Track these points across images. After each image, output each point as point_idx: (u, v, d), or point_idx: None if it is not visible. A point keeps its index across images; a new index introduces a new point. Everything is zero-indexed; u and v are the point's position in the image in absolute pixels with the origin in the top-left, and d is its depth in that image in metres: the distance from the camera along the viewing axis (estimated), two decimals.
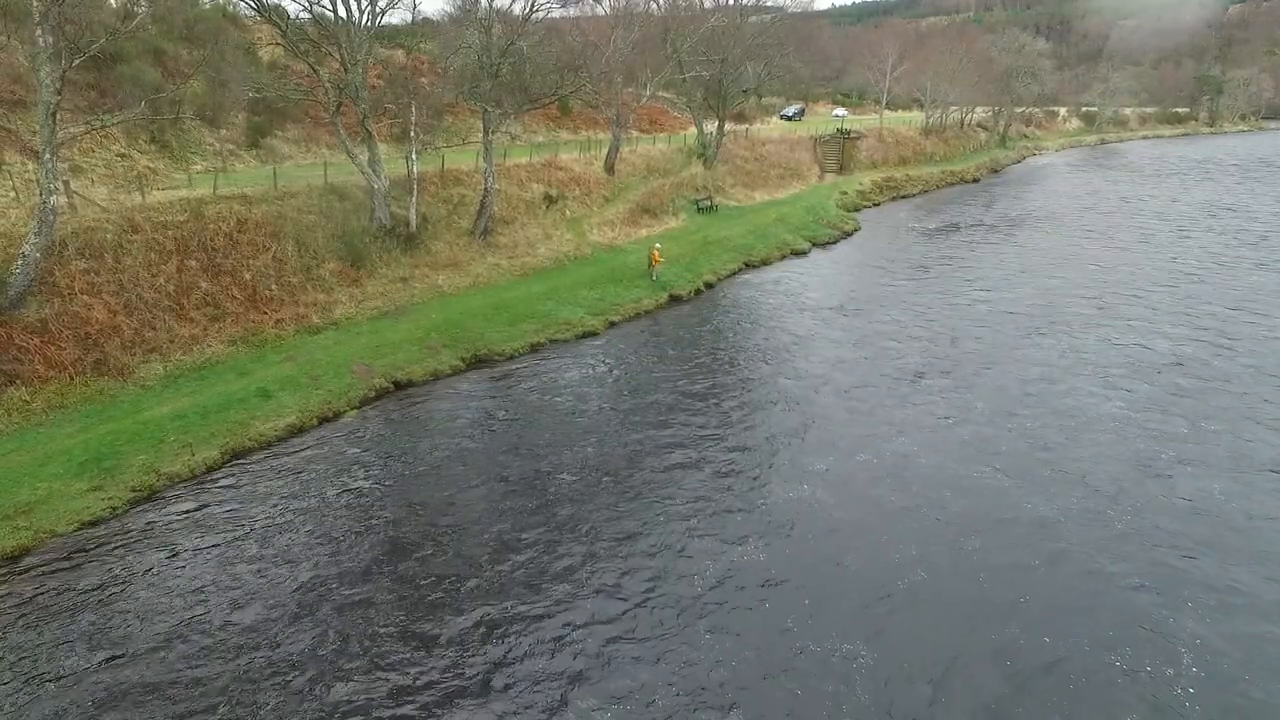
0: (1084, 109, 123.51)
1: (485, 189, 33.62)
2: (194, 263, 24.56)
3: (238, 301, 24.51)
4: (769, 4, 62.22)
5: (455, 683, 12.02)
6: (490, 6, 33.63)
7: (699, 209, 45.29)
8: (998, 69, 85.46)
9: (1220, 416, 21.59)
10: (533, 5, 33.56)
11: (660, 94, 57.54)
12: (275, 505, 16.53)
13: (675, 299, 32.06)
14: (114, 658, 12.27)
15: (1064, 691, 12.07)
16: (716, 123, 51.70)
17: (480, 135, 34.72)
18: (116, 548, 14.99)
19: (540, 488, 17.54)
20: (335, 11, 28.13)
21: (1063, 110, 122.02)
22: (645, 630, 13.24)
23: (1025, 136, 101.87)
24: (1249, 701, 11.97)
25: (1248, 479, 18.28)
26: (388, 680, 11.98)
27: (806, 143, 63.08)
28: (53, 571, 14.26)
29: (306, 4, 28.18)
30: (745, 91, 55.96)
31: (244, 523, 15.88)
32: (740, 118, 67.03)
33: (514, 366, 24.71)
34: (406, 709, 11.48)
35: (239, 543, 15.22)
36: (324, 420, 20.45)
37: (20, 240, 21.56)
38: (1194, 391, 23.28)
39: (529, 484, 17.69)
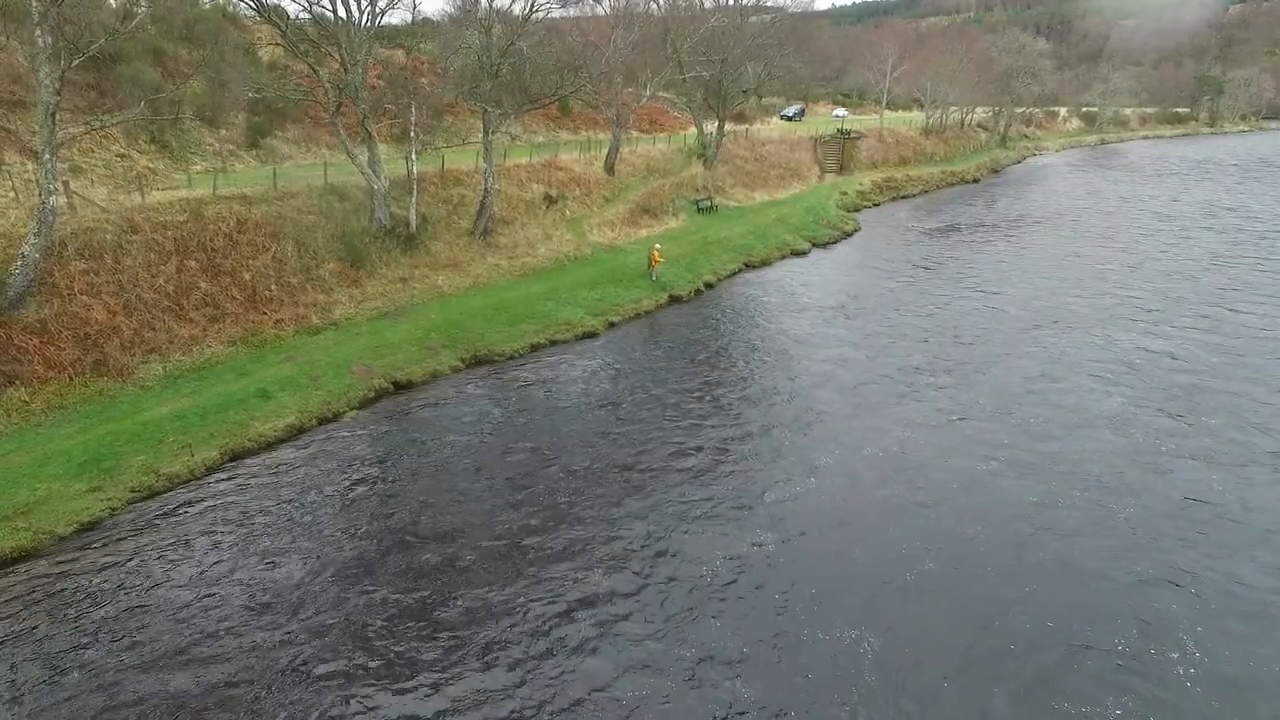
0: (1084, 109, 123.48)
1: (485, 189, 33.61)
2: (194, 263, 24.54)
3: (237, 302, 24.49)
4: (769, 4, 62.26)
5: (465, 673, 12.04)
6: (490, 7, 33.67)
7: (699, 209, 45.27)
8: (998, 69, 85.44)
9: (1219, 412, 21.82)
10: (533, 5, 33.56)
11: (660, 94, 57.54)
12: (275, 506, 16.51)
13: (675, 299, 32.04)
14: (114, 658, 12.25)
15: (1068, 675, 12.31)
16: (716, 123, 51.68)
17: (480, 135, 34.71)
18: (116, 548, 14.97)
19: (544, 485, 17.57)
20: (335, 12, 28.14)
21: (1063, 110, 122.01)
22: (656, 618, 13.46)
23: (1025, 137, 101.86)
24: (1250, 686, 12.25)
25: (1246, 472, 18.61)
26: (392, 680, 11.96)
27: (806, 143, 63.07)
28: (52, 572, 14.24)
29: (306, 4, 28.20)
30: (745, 92, 55.94)
31: (244, 523, 15.86)
32: (740, 118, 67.02)
33: (514, 367, 24.69)
34: (418, 706, 11.46)
35: (239, 543, 15.20)
36: (324, 421, 20.43)
37: (20, 241, 21.55)
38: (1193, 388, 23.51)
39: (532, 481, 17.71)
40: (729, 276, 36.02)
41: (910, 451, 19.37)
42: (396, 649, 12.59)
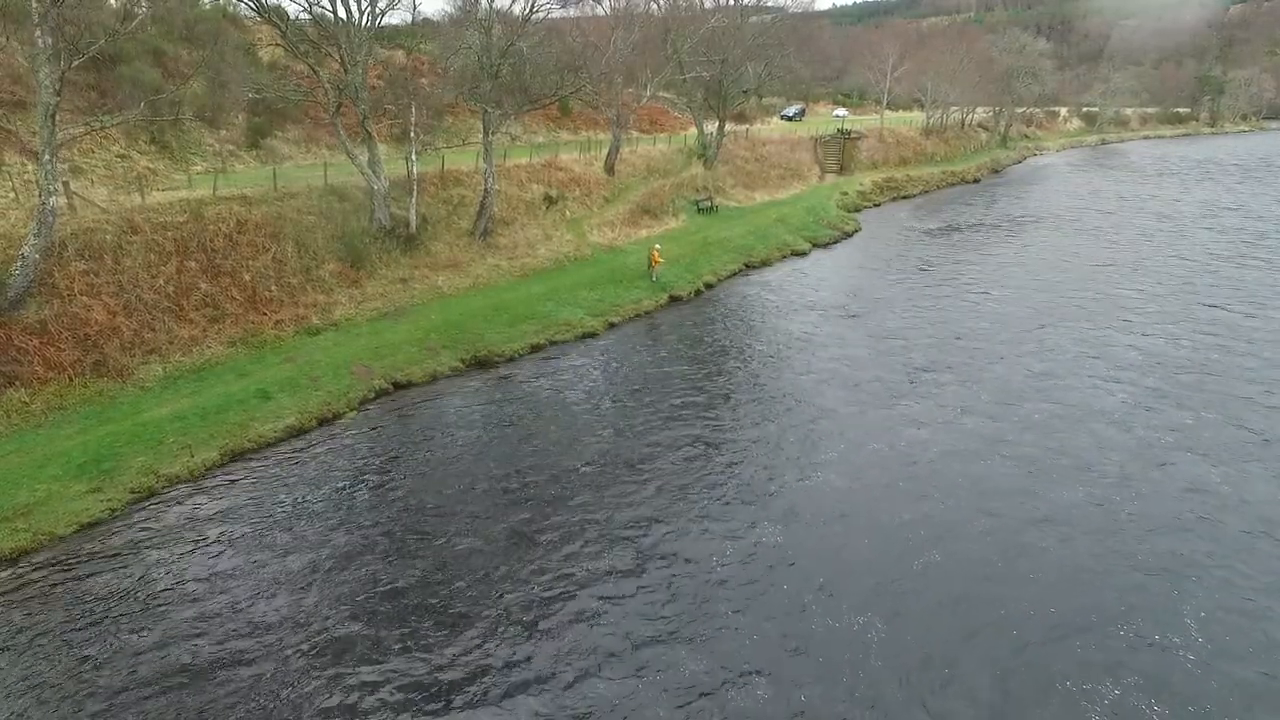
0: (1085, 109, 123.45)
1: (485, 190, 33.60)
2: (193, 264, 24.54)
3: (237, 302, 24.49)
4: (769, 4, 62.26)
5: (477, 666, 12.10)
6: (490, 7, 33.66)
7: (699, 209, 45.26)
8: (998, 69, 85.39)
9: (1219, 407, 22.16)
10: (533, 6, 33.54)
11: (660, 94, 57.54)
12: (275, 506, 16.50)
13: (675, 300, 32.03)
14: (114, 657, 12.25)
15: (1071, 658, 12.65)
16: (717, 123, 51.66)
17: (480, 136, 34.70)
18: (115, 549, 14.96)
19: (548, 481, 17.66)
20: (335, 12, 28.13)
21: (1063, 110, 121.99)
22: (667, 605, 13.71)
23: (1026, 137, 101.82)
24: (1250, 668, 12.58)
25: (1245, 466, 18.88)
26: (394, 681, 11.96)
27: (807, 143, 63.04)
28: (52, 572, 14.23)
29: (306, 5, 28.19)
30: (745, 92, 55.91)
31: (244, 524, 15.85)
32: (741, 118, 66.99)
33: (514, 367, 24.69)
34: (427, 705, 11.47)
35: (239, 544, 15.20)
36: (323, 422, 20.42)
37: (20, 241, 21.55)
38: (1194, 384, 23.84)
39: (537, 478, 17.78)
40: (729, 277, 36.01)
41: (915, 446, 19.61)
42: (398, 648, 12.59)
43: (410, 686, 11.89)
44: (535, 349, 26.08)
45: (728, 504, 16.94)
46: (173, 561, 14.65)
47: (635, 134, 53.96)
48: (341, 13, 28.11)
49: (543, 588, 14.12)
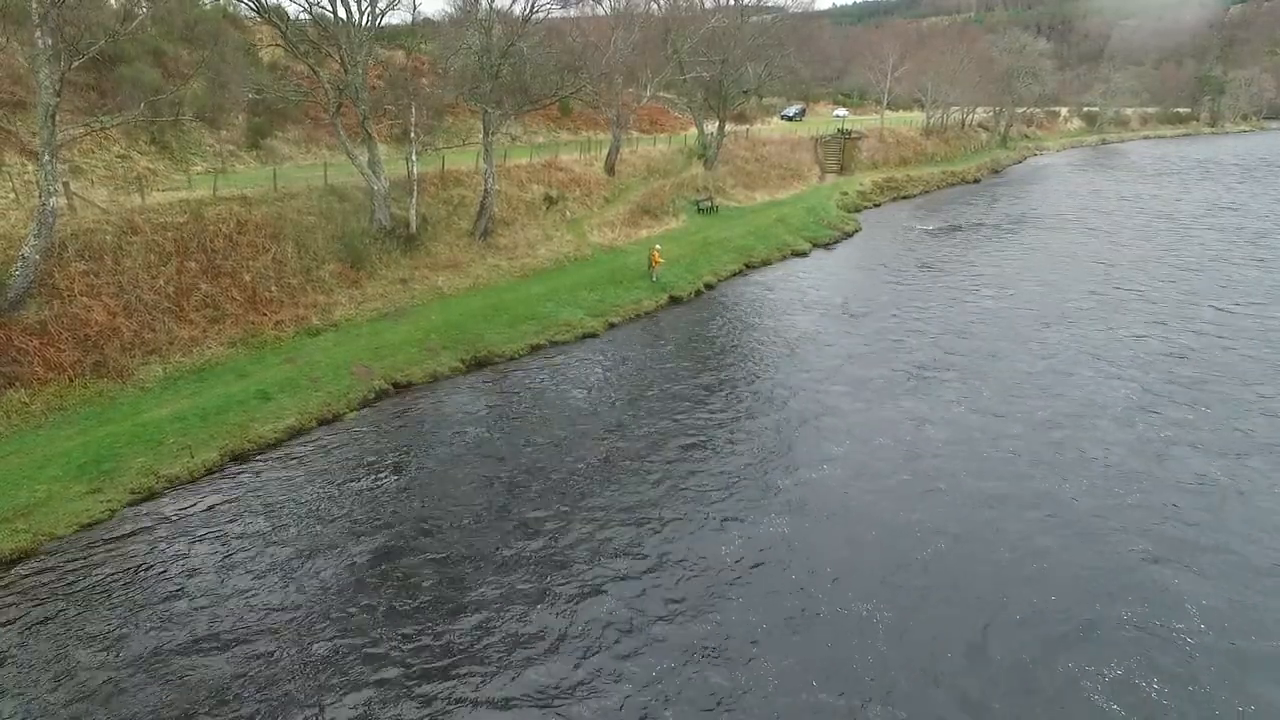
0: (1085, 109, 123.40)
1: (485, 190, 33.60)
2: (194, 264, 24.54)
3: (237, 303, 24.48)
4: (770, 4, 62.22)
5: (491, 659, 12.20)
6: (490, 7, 33.66)
7: (699, 210, 45.24)
8: (999, 69, 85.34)
9: (1219, 403, 22.49)
10: (533, 6, 33.53)
11: (660, 94, 57.49)
12: (275, 507, 16.49)
13: (675, 300, 32.02)
14: (111, 660, 12.25)
15: (1076, 644, 12.98)
16: (717, 123, 51.63)
17: (480, 136, 34.69)
18: (115, 550, 14.96)
19: (553, 478, 17.80)
20: (335, 12, 28.12)
21: (1064, 110, 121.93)
22: (676, 596, 13.95)
23: (1026, 137, 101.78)
24: (1251, 651, 12.96)
25: (1244, 459, 19.23)
26: (395, 684, 11.95)
27: (807, 143, 63.02)
28: (52, 573, 14.23)
29: (306, 5, 28.19)
30: (746, 92, 55.87)
31: (244, 525, 15.84)
32: (741, 118, 66.96)
33: (514, 368, 24.68)
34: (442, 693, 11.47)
35: (238, 545, 15.18)
36: (323, 422, 20.41)
37: (20, 242, 21.55)
38: (1194, 380, 24.14)
39: (542, 475, 17.89)
40: (729, 277, 35.99)
41: (920, 441, 19.88)
42: (402, 647, 12.57)
43: (423, 675, 11.91)
44: (535, 349, 26.07)
45: (734, 498, 17.17)
46: (171, 562, 14.64)
47: (635, 134, 53.95)
48: (341, 13, 28.11)
49: (550, 578, 14.34)
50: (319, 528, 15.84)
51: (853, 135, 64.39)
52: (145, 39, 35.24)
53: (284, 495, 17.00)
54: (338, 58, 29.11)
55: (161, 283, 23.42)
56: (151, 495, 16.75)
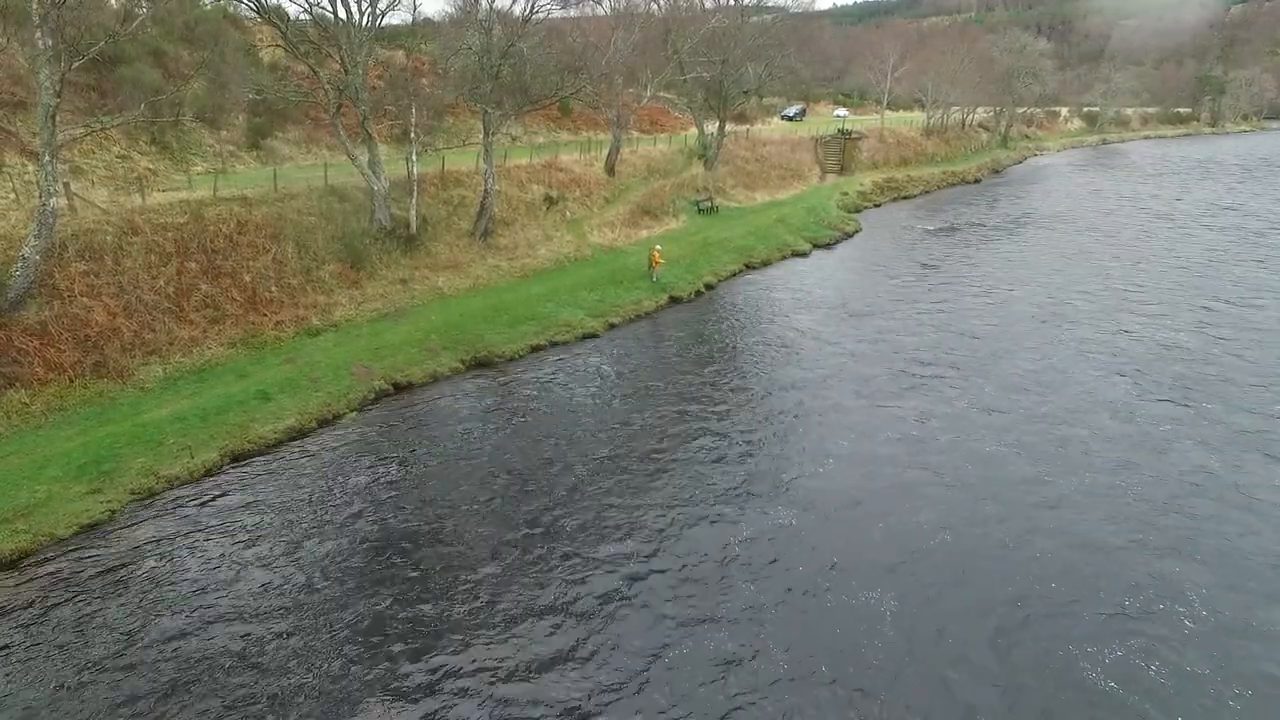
0: (1085, 109, 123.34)
1: (485, 190, 33.60)
2: (194, 264, 24.54)
3: (237, 303, 24.48)
4: (770, 4, 62.21)
5: (505, 645, 12.40)
6: (490, 8, 33.63)
7: (699, 210, 45.24)
8: (999, 69, 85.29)
9: (1219, 399, 22.76)
10: (533, 6, 33.54)
11: (661, 94, 57.46)
12: (275, 508, 16.49)
13: (675, 300, 32.02)
14: (113, 659, 12.25)
15: (1077, 626, 13.38)
16: (717, 123, 51.62)
17: (480, 136, 34.69)
18: (115, 550, 14.96)
19: (557, 476, 17.95)
20: (335, 13, 28.12)
21: (1064, 110, 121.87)
22: (685, 586, 14.22)
23: (1026, 137, 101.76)
24: (1251, 634, 13.40)
25: (1243, 455, 19.48)
26: (404, 679, 11.95)
27: (807, 143, 63.01)
28: (51, 574, 14.24)
29: (307, 5, 28.19)
30: (746, 92, 55.85)
31: (244, 525, 15.84)
32: (741, 118, 66.95)
33: (515, 368, 24.69)
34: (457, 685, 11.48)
35: (238, 545, 15.18)
36: (323, 423, 20.41)
37: (20, 242, 21.56)
38: (1194, 377, 24.39)
39: (544, 474, 18.03)
40: (730, 277, 35.99)
41: (924, 437, 20.13)
42: (407, 647, 12.57)
43: (435, 666, 11.94)
44: (535, 350, 26.08)
45: (740, 492, 17.38)
46: (171, 562, 14.64)
47: (635, 134, 53.94)
48: (342, 13, 28.11)
49: (557, 569, 14.60)
50: (321, 526, 15.84)
51: (853, 135, 64.37)
52: (145, 39, 35.23)
53: (285, 495, 17.00)
54: (338, 58, 29.11)
55: (162, 283, 23.43)
56: (152, 495, 16.75)
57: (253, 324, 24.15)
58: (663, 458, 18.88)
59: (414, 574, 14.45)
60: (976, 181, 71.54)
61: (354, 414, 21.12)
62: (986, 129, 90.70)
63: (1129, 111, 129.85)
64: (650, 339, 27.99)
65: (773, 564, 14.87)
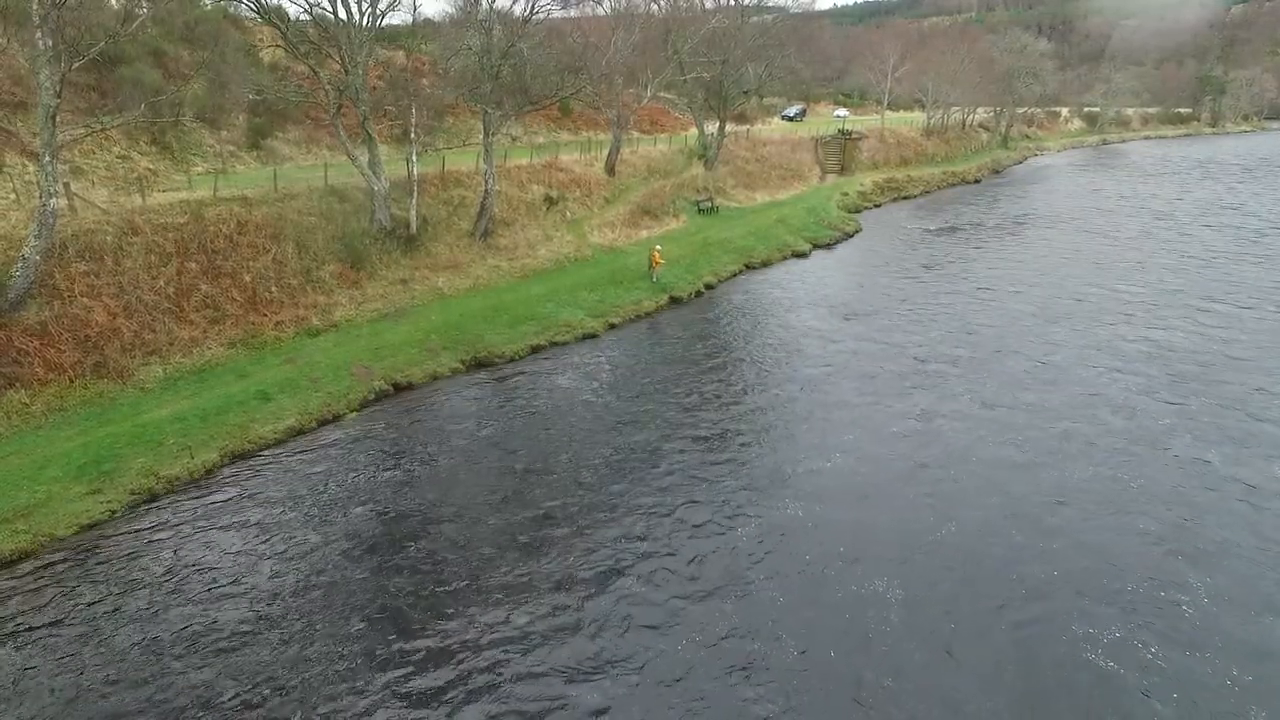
0: (1086, 109, 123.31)
1: (485, 190, 33.61)
2: (194, 265, 24.55)
3: (237, 304, 24.49)
4: (770, 4, 62.22)
5: (520, 636, 12.31)
6: (490, 8, 33.66)
7: (699, 210, 45.24)
8: (999, 69, 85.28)
9: (1218, 395, 23.03)
10: (533, 6, 33.55)
11: (661, 95, 57.45)
12: (275, 507, 16.50)
13: (676, 300, 32.03)
14: (110, 661, 12.26)
15: (1080, 611, 13.71)
16: (717, 123, 51.63)
17: (480, 137, 34.69)
18: (115, 551, 14.97)
19: (561, 473, 18.07)
20: (335, 13, 28.13)
21: (1065, 111, 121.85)
22: (696, 575, 14.48)
23: (1027, 137, 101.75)
24: (1253, 618, 13.75)
25: (1244, 451, 19.77)
26: (397, 689, 11.96)
27: (807, 143, 63.01)
28: (52, 574, 14.24)
29: (307, 6, 28.20)
30: (746, 92, 55.85)
31: (244, 525, 15.85)
32: (741, 118, 66.94)
33: (515, 368, 24.70)
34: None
35: (239, 545, 15.19)
36: (323, 423, 20.42)
37: (20, 243, 21.57)
38: (1195, 373, 24.66)
39: (549, 471, 18.13)
40: (730, 278, 36.00)
41: (928, 432, 20.36)
42: (408, 646, 12.58)
43: (445, 660, 11.94)
44: (536, 350, 26.08)
45: (747, 486, 17.58)
46: (171, 563, 14.64)
47: (636, 134, 53.95)
48: (342, 14, 28.12)
49: (566, 561, 14.83)
50: (323, 525, 15.84)
51: (853, 135, 64.37)
52: (146, 39, 35.24)
53: (285, 495, 17.00)
54: (338, 58, 29.12)
55: (162, 283, 23.44)
56: (152, 496, 16.76)
57: (253, 324, 24.16)
58: (667, 453, 19.01)
59: (415, 572, 14.45)
60: (977, 182, 71.54)
61: (354, 414, 21.13)
62: (987, 129, 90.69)
63: (1129, 112, 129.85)
64: (651, 339, 28.00)
65: (781, 554, 15.15)
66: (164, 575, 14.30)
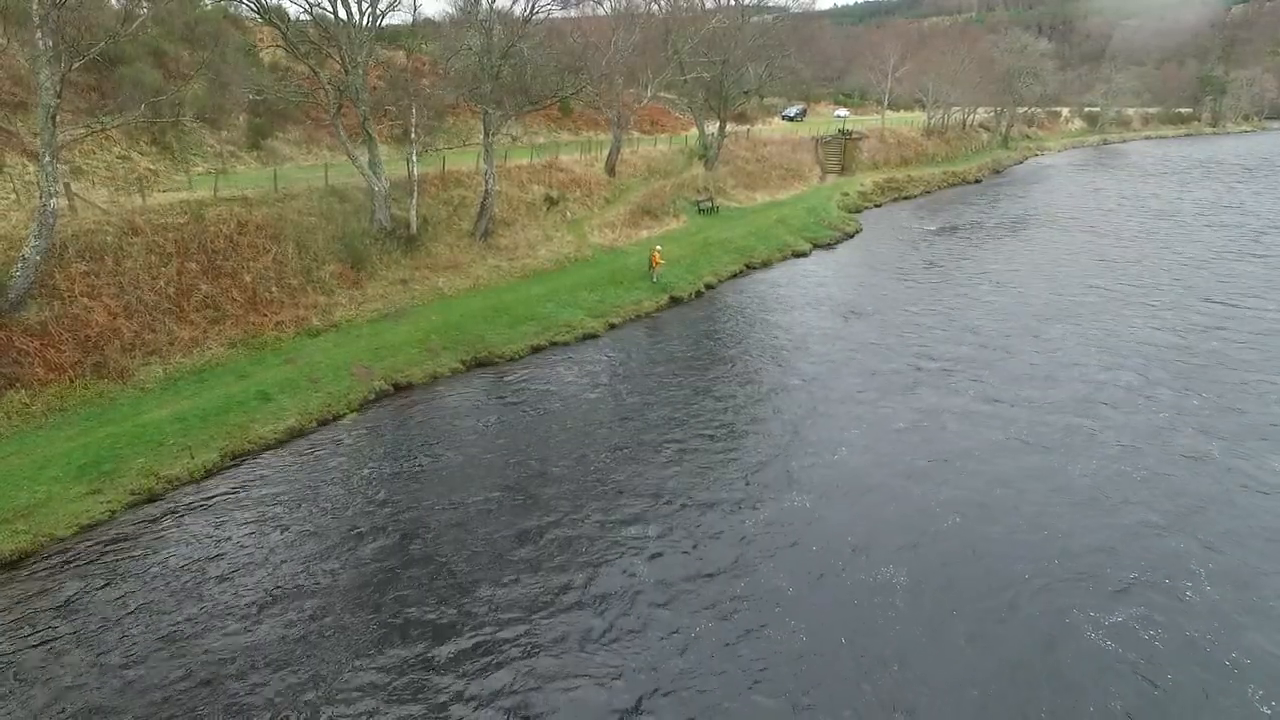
0: (1086, 109, 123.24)
1: (486, 190, 33.60)
2: (194, 265, 24.55)
3: (237, 304, 24.49)
4: (770, 4, 62.20)
5: (535, 626, 12.45)
6: (490, 8, 33.65)
7: (700, 210, 45.22)
8: (1000, 69, 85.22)
9: (1218, 391, 23.29)
10: (533, 6, 33.54)
11: (661, 95, 57.44)
12: (275, 508, 16.49)
13: (676, 300, 32.02)
14: (112, 661, 12.24)
15: (1082, 597, 14.00)
16: (718, 123, 51.61)
17: (481, 137, 34.68)
18: (115, 551, 14.96)
19: (564, 471, 18.16)
20: (336, 13, 28.12)
21: (1065, 110, 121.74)
22: (705, 565, 14.77)
23: (1027, 137, 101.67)
24: (1254, 604, 14.09)
25: (1245, 443, 20.14)
26: (416, 672, 11.95)
27: (808, 143, 62.98)
28: (51, 575, 14.24)
29: (307, 6, 28.19)
30: (746, 92, 55.83)
31: (244, 525, 15.84)
32: (741, 118, 66.91)
33: (515, 368, 24.70)
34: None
35: (239, 546, 15.18)
36: (324, 423, 20.42)
37: (20, 243, 21.56)
38: (1195, 369, 24.96)
39: (552, 469, 18.22)
40: (730, 278, 35.99)
41: (932, 427, 20.59)
42: (410, 644, 12.57)
43: (454, 654, 11.93)
44: (536, 350, 26.08)
45: (754, 481, 17.79)
46: (171, 563, 14.63)
47: (636, 134, 53.94)
48: (342, 14, 28.11)
49: (573, 553, 15.04)
50: (324, 524, 15.84)
51: (853, 135, 64.34)
52: (146, 39, 35.23)
53: (286, 495, 16.99)
54: (338, 58, 29.12)
55: (162, 283, 23.43)
56: (152, 496, 16.75)
57: (253, 324, 24.15)
58: (671, 450, 19.17)
59: (416, 570, 14.45)
60: (977, 182, 71.51)
61: (354, 414, 21.12)
62: (987, 129, 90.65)
63: (1130, 111, 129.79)
64: (651, 339, 28.00)
65: (788, 546, 15.42)
66: (164, 575, 14.30)
